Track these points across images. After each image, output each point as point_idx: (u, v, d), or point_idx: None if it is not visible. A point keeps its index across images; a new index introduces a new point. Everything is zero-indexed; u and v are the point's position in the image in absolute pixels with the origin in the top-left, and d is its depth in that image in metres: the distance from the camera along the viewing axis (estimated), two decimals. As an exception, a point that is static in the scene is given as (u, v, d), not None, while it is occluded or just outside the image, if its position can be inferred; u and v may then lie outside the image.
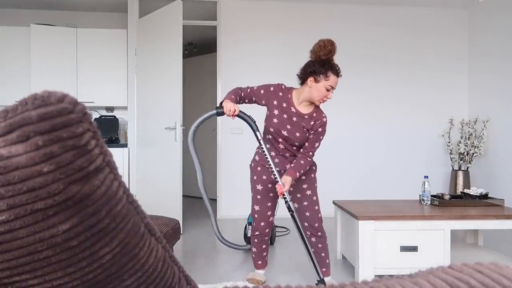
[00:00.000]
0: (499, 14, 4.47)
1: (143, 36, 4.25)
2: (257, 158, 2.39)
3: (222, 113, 2.08)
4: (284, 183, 2.11)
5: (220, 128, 4.71)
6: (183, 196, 3.96)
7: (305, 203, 2.30)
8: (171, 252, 0.60)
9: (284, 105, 2.20)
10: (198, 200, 5.97)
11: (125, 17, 4.93)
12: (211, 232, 3.93)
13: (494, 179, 4.48)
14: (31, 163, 0.38)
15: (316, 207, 2.33)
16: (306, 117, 2.20)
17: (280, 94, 2.23)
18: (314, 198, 2.33)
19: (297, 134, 2.20)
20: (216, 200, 4.76)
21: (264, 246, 2.46)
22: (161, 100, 3.97)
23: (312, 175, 2.34)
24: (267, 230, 2.40)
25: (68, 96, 0.41)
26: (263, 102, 2.26)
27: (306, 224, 2.33)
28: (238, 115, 2.11)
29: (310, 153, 2.22)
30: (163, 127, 3.90)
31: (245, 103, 2.31)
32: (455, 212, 2.58)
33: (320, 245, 2.35)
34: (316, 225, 2.32)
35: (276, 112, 2.21)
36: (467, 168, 4.58)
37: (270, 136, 2.28)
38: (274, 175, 2.13)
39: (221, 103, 2.12)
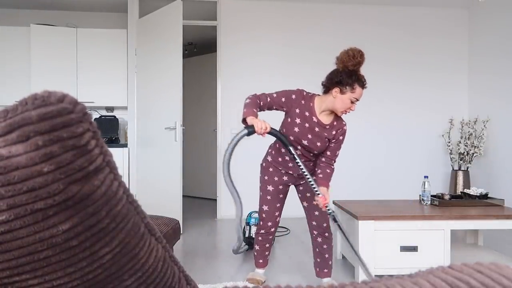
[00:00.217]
0: (499, 14, 4.47)
1: (143, 36, 4.25)
2: (269, 158, 2.35)
3: (253, 132, 1.95)
4: (325, 194, 2.07)
5: (220, 128, 4.71)
6: (183, 196, 3.97)
7: (315, 202, 2.30)
8: (171, 252, 0.60)
9: (307, 114, 2.14)
10: (198, 200, 5.97)
11: (125, 17, 4.93)
12: (211, 232, 3.93)
13: (494, 179, 4.48)
14: (31, 163, 0.38)
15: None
16: (328, 127, 2.16)
17: (303, 102, 2.14)
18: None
19: (318, 144, 2.17)
20: (216, 200, 4.76)
21: (267, 245, 2.46)
22: (161, 100, 3.97)
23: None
24: (272, 230, 2.41)
25: (68, 96, 0.41)
26: (284, 109, 2.17)
27: (314, 223, 2.32)
28: (269, 132, 1.98)
29: (333, 161, 2.21)
30: (163, 127, 3.90)
31: (263, 111, 2.21)
32: (455, 212, 2.58)
33: (325, 246, 2.34)
34: (325, 225, 2.31)
35: (298, 120, 2.14)
36: (467, 168, 4.58)
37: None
38: (314, 188, 2.04)
39: (244, 120, 2.00)
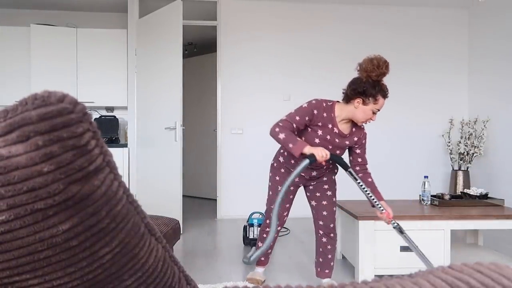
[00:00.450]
0: (499, 14, 4.47)
1: (143, 36, 4.25)
2: (281, 159, 2.33)
3: (315, 161, 1.92)
4: (387, 209, 2.08)
5: (220, 128, 4.71)
6: (183, 196, 3.97)
7: (324, 202, 2.30)
8: (171, 252, 0.60)
9: (329, 126, 2.10)
10: (198, 200, 5.97)
11: (125, 17, 4.93)
12: (211, 232, 3.93)
13: (494, 179, 4.48)
14: (31, 163, 0.38)
15: (334, 208, 2.32)
16: (348, 135, 2.17)
17: (325, 115, 2.09)
18: (334, 199, 2.33)
19: (337, 152, 2.19)
20: (216, 200, 4.76)
21: (271, 244, 2.47)
22: (161, 100, 3.97)
23: (333, 177, 2.34)
24: (279, 228, 2.42)
25: (68, 96, 0.41)
26: (309, 125, 2.13)
27: (321, 222, 2.32)
28: (329, 158, 1.97)
29: (367, 165, 2.24)
30: (163, 127, 3.90)
31: None
32: (455, 212, 2.58)
33: (329, 247, 2.34)
34: (331, 225, 2.32)
35: (319, 132, 2.10)
36: (467, 168, 4.58)
37: None
38: (378, 206, 2.06)
39: (303, 154, 1.92)
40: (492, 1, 4.57)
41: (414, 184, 4.93)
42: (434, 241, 2.51)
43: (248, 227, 3.33)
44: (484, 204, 2.85)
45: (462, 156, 4.60)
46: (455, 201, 2.87)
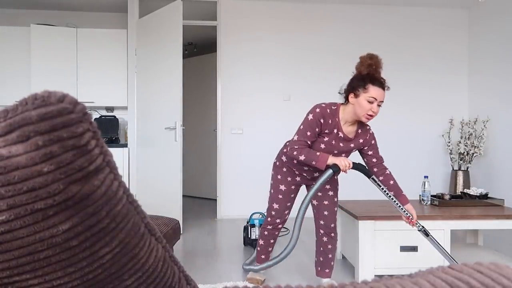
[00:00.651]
0: (499, 14, 4.47)
1: (143, 36, 4.25)
2: (283, 158, 2.32)
3: (339, 171, 1.99)
4: (411, 212, 2.09)
5: (220, 128, 4.71)
6: (183, 196, 3.97)
7: (326, 202, 2.30)
8: (171, 252, 0.60)
9: (335, 131, 2.10)
10: (198, 200, 5.97)
11: (125, 17, 4.93)
12: (211, 232, 3.93)
13: (494, 179, 4.48)
14: (31, 163, 0.38)
15: (335, 208, 2.33)
16: (353, 138, 2.16)
17: (330, 121, 2.07)
18: (335, 199, 2.33)
19: (343, 155, 2.18)
20: (216, 200, 4.76)
21: (272, 241, 2.47)
22: (161, 100, 3.97)
23: (335, 177, 2.34)
24: (280, 226, 2.43)
25: (68, 96, 0.41)
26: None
27: (322, 222, 2.32)
28: (352, 168, 2.01)
29: (384, 164, 2.22)
30: (163, 127, 3.90)
31: None
32: (455, 212, 2.58)
33: (330, 246, 2.35)
34: (332, 225, 2.32)
35: (326, 138, 2.11)
36: (467, 168, 4.58)
37: None
38: (402, 209, 2.08)
39: (327, 165, 1.99)
40: (492, 2, 4.57)
41: (414, 184, 4.93)
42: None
43: (249, 227, 3.33)
44: (484, 204, 2.85)
45: (462, 156, 4.60)
46: (455, 201, 2.87)
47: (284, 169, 2.32)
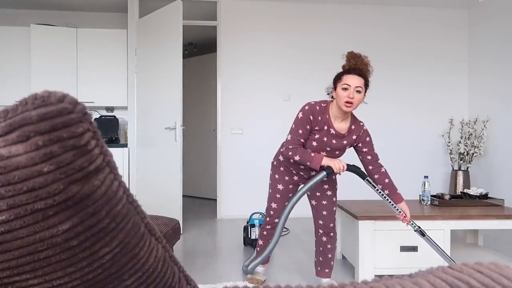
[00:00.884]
0: (499, 14, 4.47)
1: (143, 36, 4.25)
2: (281, 158, 2.34)
3: (332, 173, 2.00)
4: (404, 211, 2.10)
5: (220, 128, 4.71)
6: (183, 196, 3.97)
7: (324, 202, 2.30)
8: (171, 252, 0.60)
9: (325, 128, 2.12)
10: (198, 200, 5.97)
11: (125, 17, 4.93)
12: (211, 232, 3.93)
13: (494, 179, 4.48)
14: (31, 163, 0.38)
15: (334, 208, 2.32)
16: (346, 134, 2.15)
17: (319, 118, 2.10)
18: (334, 199, 2.33)
19: (337, 153, 2.18)
20: (216, 200, 4.76)
21: (270, 241, 2.46)
22: (161, 100, 3.97)
23: (333, 177, 2.33)
24: None
25: (68, 96, 0.41)
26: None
27: (320, 222, 2.32)
28: (347, 169, 2.04)
29: (379, 162, 2.20)
30: (163, 127, 3.90)
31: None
32: (455, 212, 2.58)
33: (329, 246, 2.35)
34: (331, 225, 2.32)
35: (317, 136, 2.12)
36: (467, 168, 4.58)
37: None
38: (395, 208, 2.09)
39: (321, 166, 2.02)
40: (492, 2, 4.57)
41: (414, 184, 4.92)
42: (434, 241, 2.51)
43: (249, 227, 3.33)
44: (484, 204, 2.85)
45: (462, 156, 4.60)
46: (455, 201, 2.87)
47: (282, 169, 2.33)
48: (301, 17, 4.84)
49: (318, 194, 2.32)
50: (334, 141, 2.14)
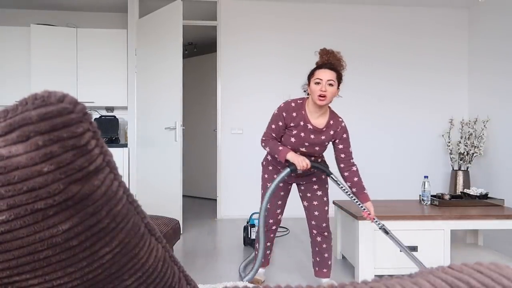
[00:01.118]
0: (499, 14, 4.47)
1: (143, 36, 4.25)
2: (269, 157, 2.38)
3: (295, 169, 2.07)
4: (369, 208, 2.12)
5: (220, 128, 4.71)
6: (183, 196, 3.97)
7: (315, 203, 2.31)
8: (171, 252, 0.60)
9: (302, 123, 2.15)
10: (198, 200, 5.97)
11: (125, 17, 4.93)
12: (211, 232, 3.93)
13: (494, 179, 4.48)
14: (31, 163, 0.38)
15: (326, 208, 2.33)
16: (324, 129, 2.17)
17: (294, 114, 2.15)
18: (325, 198, 2.33)
19: (316, 148, 2.19)
20: (216, 200, 4.76)
21: (268, 244, 2.46)
22: (161, 100, 3.97)
23: (323, 176, 2.34)
24: (274, 227, 2.42)
25: (68, 96, 0.41)
26: (286, 128, 2.22)
27: (313, 222, 2.33)
28: (312, 167, 2.09)
29: (352, 161, 2.21)
30: (163, 127, 3.90)
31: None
32: (455, 212, 2.58)
33: (325, 245, 2.35)
34: (324, 225, 2.32)
35: (294, 132, 2.16)
36: (467, 168, 4.58)
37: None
38: (359, 205, 2.12)
39: (286, 160, 2.08)
40: (492, 1, 4.57)
41: (414, 184, 4.92)
42: (434, 241, 2.51)
43: (249, 227, 3.33)
44: (484, 204, 2.85)
45: (462, 156, 4.60)
46: (455, 201, 2.87)
47: (270, 168, 2.37)
48: (301, 17, 4.84)
49: (308, 195, 2.33)
50: (312, 136, 2.17)
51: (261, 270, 2.53)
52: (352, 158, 2.22)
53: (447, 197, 2.92)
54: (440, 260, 2.52)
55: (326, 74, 2.08)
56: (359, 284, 0.49)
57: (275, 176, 2.33)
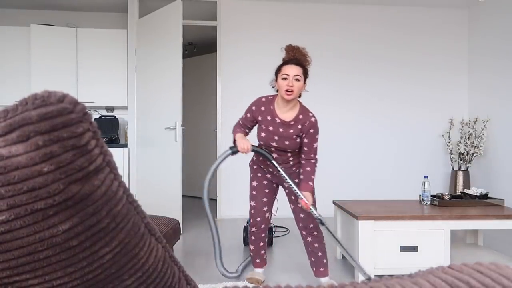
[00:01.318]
0: (499, 14, 4.47)
1: (143, 36, 4.25)
2: (254, 158, 2.47)
3: (237, 151, 2.17)
4: (306, 197, 2.13)
5: (220, 128, 4.71)
6: (183, 196, 3.96)
7: (300, 205, 2.30)
8: (171, 252, 0.60)
9: (269, 118, 2.23)
10: (198, 200, 5.97)
11: (125, 17, 4.92)
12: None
13: (494, 179, 4.48)
14: (31, 163, 0.38)
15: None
16: (292, 123, 2.20)
17: (263, 109, 2.26)
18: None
19: (287, 143, 2.22)
20: (216, 200, 4.76)
21: (261, 244, 2.46)
22: (161, 100, 3.97)
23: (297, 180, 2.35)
24: (263, 226, 2.41)
25: (68, 96, 0.41)
26: (255, 121, 2.33)
27: (301, 224, 2.35)
28: (252, 150, 2.18)
29: (312, 155, 2.23)
30: (163, 127, 3.90)
31: (251, 129, 2.39)
32: (455, 212, 2.58)
33: (316, 245, 2.35)
34: (311, 225, 2.32)
35: (263, 126, 2.26)
36: (467, 168, 4.58)
37: (263, 146, 2.32)
38: (296, 192, 2.13)
39: (234, 142, 2.24)
40: (492, 1, 4.57)
41: (414, 184, 4.92)
42: (434, 241, 2.51)
43: (249, 227, 3.32)
44: (484, 204, 2.85)
45: (462, 156, 4.60)
46: (455, 201, 2.87)
47: (255, 167, 2.43)
48: (301, 17, 4.84)
49: (293, 197, 2.34)
50: (281, 130, 2.22)
51: (260, 270, 2.53)
52: (315, 154, 2.25)
53: (447, 197, 2.92)
54: (440, 260, 2.52)
55: (292, 70, 2.15)
56: (359, 284, 0.49)
57: (259, 174, 2.41)
